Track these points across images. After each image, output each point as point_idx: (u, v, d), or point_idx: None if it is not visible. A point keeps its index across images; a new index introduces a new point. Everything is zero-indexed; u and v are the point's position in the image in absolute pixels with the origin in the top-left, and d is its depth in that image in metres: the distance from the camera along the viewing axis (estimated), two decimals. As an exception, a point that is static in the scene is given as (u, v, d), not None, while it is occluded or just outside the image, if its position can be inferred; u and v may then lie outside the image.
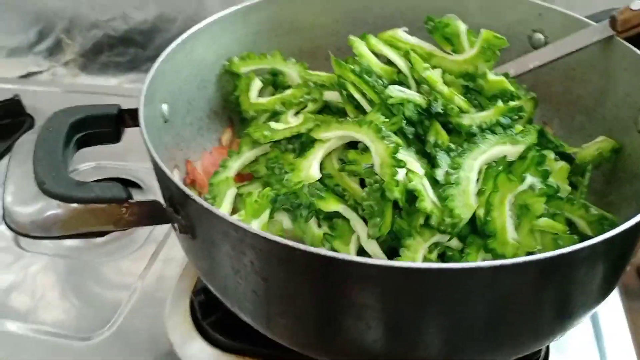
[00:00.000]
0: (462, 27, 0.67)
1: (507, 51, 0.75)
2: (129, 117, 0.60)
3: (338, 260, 0.39)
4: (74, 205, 0.46)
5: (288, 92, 0.70)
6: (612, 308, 0.74)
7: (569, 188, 0.64)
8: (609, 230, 0.58)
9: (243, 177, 0.69)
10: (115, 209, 0.47)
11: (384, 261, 0.38)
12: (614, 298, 0.76)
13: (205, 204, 0.43)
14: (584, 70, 0.71)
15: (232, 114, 0.78)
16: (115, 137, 0.60)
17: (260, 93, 0.76)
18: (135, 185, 0.92)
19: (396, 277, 0.39)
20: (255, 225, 0.57)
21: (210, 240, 0.46)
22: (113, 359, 0.66)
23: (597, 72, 0.69)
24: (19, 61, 1.31)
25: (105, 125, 0.58)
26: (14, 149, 0.54)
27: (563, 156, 0.68)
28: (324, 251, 0.38)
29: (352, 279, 0.41)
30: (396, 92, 0.60)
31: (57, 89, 1.21)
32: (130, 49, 1.28)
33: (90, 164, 0.94)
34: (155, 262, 0.78)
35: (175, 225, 0.49)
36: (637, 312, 0.84)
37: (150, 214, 0.48)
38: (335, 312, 0.44)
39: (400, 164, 0.53)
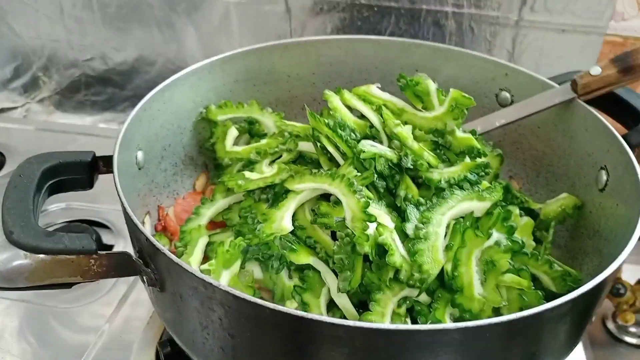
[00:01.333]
0: (432, 86, 0.70)
1: (475, 108, 0.79)
2: (102, 164, 0.60)
3: (307, 320, 0.39)
4: (42, 256, 0.46)
5: (263, 141, 0.71)
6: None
7: (534, 243, 0.66)
8: (572, 286, 0.61)
9: (216, 224, 0.69)
10: (84, 261, 0.47)
11: (351, 322, 0.38)
12: (578, 350, 0.77)
13: (175, 259, 0.43)
14: (548, 129, 0.74)
15: (207, 159, 0.79)
16: (88, 184, 0.60)
17: (236, 141, 0.77)
18: (105, 227, 0.91)
19: (364, 337, 0.40)
20: (226, 276, 0.57)
21: (178, 295, 0.46)
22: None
23: (560, 131, 0.72)
24: (-8, 96, 1.30)
25: (78, 172, 0.58)
26: (-17, 194, 0.53)
27: (528, 211, 0.70)
28: (293, 310, 0.39)
29: (321, 338, 0.41)
30: (368, 146, 0.62)
31: (29, 126, 1.20)
32: (107, 88, 1.27)
33: (60, 205, 0.93)
34: (124, 307, 0.77)
35: (144, 278, 0.48)
36: (602, 361, 0.85)
37: (119, 266, 0.48)
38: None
39: (371, 218, 0.54)
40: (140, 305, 0.76)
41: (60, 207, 0.93)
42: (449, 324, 0.43)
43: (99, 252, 0.47)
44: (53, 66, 1.27)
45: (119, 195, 0.50)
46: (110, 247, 0.87)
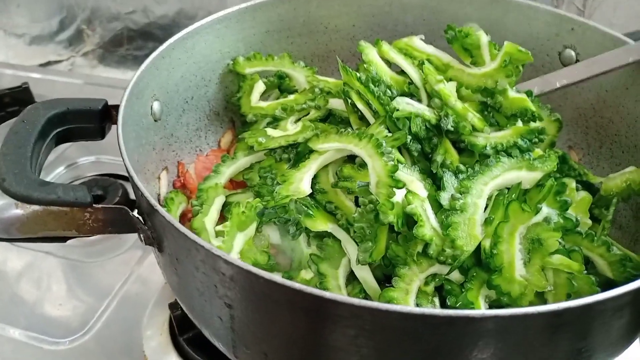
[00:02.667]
0: (483, 38, 0.61)
1: (533, 67, 0.70)
2: (116, 114, 0.56)
3: (306, 295, 0.33)
4: (35, 206, 0.42)
5: (290, 97, 0.65)
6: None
7: (590, 222, 0.58)
8: (631, 273, 0.53)
9: (237, 184, 0.65)
10: (78, 214, 0.43)
11: (355, 300, 0.33)
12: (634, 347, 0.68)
13: (169, 217, 0.38)
14: (618, 92, 0.64)
15: (234, 115, 0.74)
16: (100, 134, 0.56)
17: (265, 96, 0.72)
18: (135, 183, 0.89)
19: (375, 318, 0.34)
20: (240, 239, 0.53)
21: (175, 256, 0.42)
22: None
23: (632, 95, 0.62)
24: (39, 49, 1.30)
25: (88, 121, 0.54)
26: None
27: (586, 186, 0.62)
28: (287, 282, 0.33)
29: (326, 317, 0.36)
30: (403, 104, 0.55)
31: (74, 80, 1.19)
32: (149, 42, 1.26)
33: (90, 158, 0.92)
34: (142, 267, 0.74)
35: (141, 235, 0.44)
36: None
37: (116, 222, 0.44)
38: (307, 352, 0.39)
39: (398, 184, 0.48)
40: (156, 268, 0.73)
41: (89, 161, 0.92)
42: (479, 311, 0.36)
43: (94, 205, 0.43)
44: (96, 19, 1.26)
45: (119, 146, 0.46)
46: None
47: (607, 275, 0.54)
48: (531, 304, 0.50)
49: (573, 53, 0.68)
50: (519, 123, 0.59)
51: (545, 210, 0.51)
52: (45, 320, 0.68)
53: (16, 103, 1.03)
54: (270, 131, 0.60)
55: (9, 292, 0.72)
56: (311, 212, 0.50)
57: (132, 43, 1.27)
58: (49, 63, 1.31)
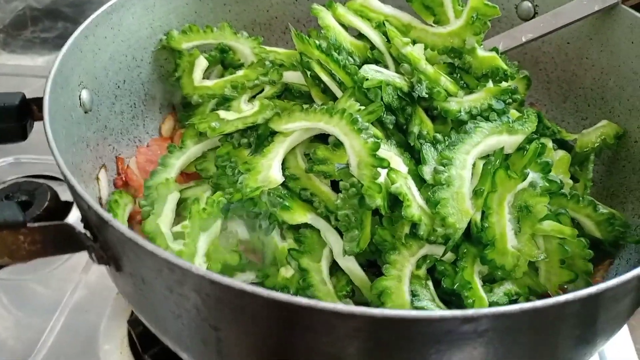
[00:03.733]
0: None
1: (492, 24, 0.66)
2: (37, 108, 0.47)
3: (310, 309, 0.28)
4: (-49, 234, 0.34)
5: (240, 72, 0.58)
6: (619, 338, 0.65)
7: (572, 182, 0.56)
8: (620, 231, 0.52)
9: (188, 176, 0.58)
10: (10, 237, 0.35)
11: (360, 309, 0.27)
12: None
13: (128, 233, 0.31)
14: (581, 44, 0.62)
15: (173, 98, 0.66)
16: (21, 134, 0.47)
17: (207, 74, 0.64)
18: (63, 182, 0.78)
19: (375, 326, 0.29)
20: (204, 240, 0.46)
21: (139, 277, 0.35)
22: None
23: (597, 46, 0.60)
24: None
25: (4, 120, 0.45)
26: None
27: (560, 144, 0.60)
28: (293, 298, 0.28)
29: (330, 328, 0.30)
30: (372, 72, 0.50)
31: (-29, 69, 1.05)
32: (58, 22, 1.14)
33: (7, 159, 0.80)
34: (89, 273, 0.66)
35: (92, 255, 0.37)
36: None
37: (58, 241, 0.36)
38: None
39: (382, 163, 0.43)
40: (105, 277, 0.65)
41: (7, 162, 0.80)
42: (478, 310, 0.32)
43: (28, 225, 0.35)
44: (-8, -1, 1.11)
45: (50, 147, 0.38)
46: (71, 204, 0.75)
47: (596, 235, 0.52)
48: (525, 274, 0.48)
49: (530, 5, 0.65)
50: (490, 84, 0.55)
51: (530, 175, 0.48)
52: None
53: None
54: (223, 114, 0.53)
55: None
56: (287, 204, 0.44)
57: (37, 24, 1.14)
58: (-59, 53, 1.15)
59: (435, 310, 0.42)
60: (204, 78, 0.63)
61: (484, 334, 0.32)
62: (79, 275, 0.66)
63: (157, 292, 0.34)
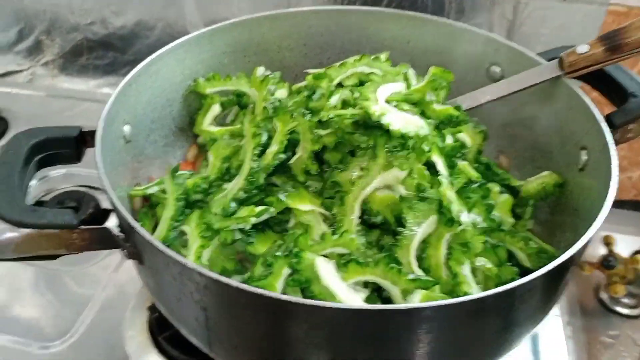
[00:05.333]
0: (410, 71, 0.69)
1: (464, 82, 0.79)
2: (90, 138, 0.62)
3: (270, 298, 0.41)
4: (27, 230, 0.48)
5: (238, 126, 0.71)
6: (551, 326, 0.77)
7: (512, 220, 0.68)
8: (546, 263, 0.62)
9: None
10: (66, 235, 0.49)
11: (306, 300, 0.40)
12: (555, 317, 0.79)
13: (148, 236, 0.45)
14: (535, 106, 0.74)
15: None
16: (76, 157, 0.62)
17: (227, 112, 0.78)
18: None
19: (326, 316, 0.42)
20: (206, 253, 0.59)
21: (155, 268, 0.49)
22: (70, 369, 0.68)
23: (547, 108, 0.72)
24: (-2, 59, 1.32)
25: (65, 147, 0.60)
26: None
27: (509, 188, 0.71)
28: (255, 289, 0.41)
29: (285, 316, 0.43)
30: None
31: (33, 92, 1.22)
32: (109, 52, 1.29)
33: (61, 170, 0.96)
34: (119, 272, 0.80)
35: (124, 251, 0.51)
36: (593, 331, 0.87)
37: (100, 240, 0.50)
38: (270, 344, 0.46)
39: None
40: (134, 273, 0.79)
41: (61, 173, 0.96)
42: (421, 304, 0.44)
43: (80, 227, 0.49)
44: (55, 30, 1.28)
45: (99, 173, 0.53)
46: (110, 211, 0.90)
47: (527, 265, 0.63)
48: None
49: (498, 69, 0.77)
50: (449, 139, 0.67)
51: (473, 216, 0.60)
52: (32, 326, 0.73)
53: (-19, 118, 1.06)
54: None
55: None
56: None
57: (92, 53, 1.30)
58: (8, 73, 1.33)
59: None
60: (225, 114, 0.77)
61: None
62: (109, 274, 0.80)
63: (166, 281, 0.48)
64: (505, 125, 0.79)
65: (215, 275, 0.42)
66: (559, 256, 0.63)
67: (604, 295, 0.89)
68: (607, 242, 0.85)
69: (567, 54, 0.67)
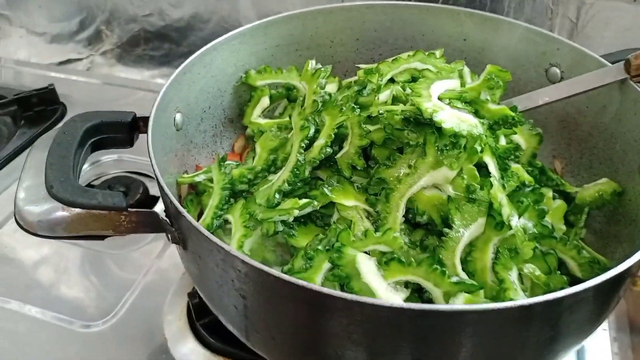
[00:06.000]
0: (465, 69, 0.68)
1: (522, 82, 0.76)
2: (142, 124, 0.63)
3: (310, 291, 0.41)
4: (78, 209, 0.50)
5: (286, 119, 0.71)
6: (598, 341, 0.74)
7: (564, 227, 0.65)
8: (598, 274, 0.59)
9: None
10: (115, 216, 0.50)
11: (348, 295, 0.40)
12: (602, 331, 0.76)
13: (194, 222, 0.45)
14: (597, 109, 0.70)
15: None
16: (129, 142, 0.63)
17: (275, 105, 0.79)
18: (153, 179, 0.95)
19: (367, 312, 0.41)
20: (248, 243, 0.59)
21: (198, 254, 0.49)
22: (110, 348, 0.70)
23: (609, 113, 0.69)
24: (59, 48, 1.37)
25: (119, 131, 0.62)
26: (35, 145, 0.58)
27: (563, 194, 0.68)
28: (294, 280, 0.41)
29: (325, 309, 0.43)
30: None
31: (91, 79, 1.26)
32: (165, 44, 1.32)
33: (112, 156, 0.99)
34: (162, 258, 0.82)
35: (169, 235, 0.52)
36: (641, 347, 0.83)
37: (147, 223, 0.51)
38: (307, 336, 0.46)
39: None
40: (176, 259, 0.80)
41: (112, 159, 0.99)
42: (466, 306, 0.43)
43: (129, 209, 0.50)
44: (115, 20, 1.33)
45: (150, 157, 0.53)
46: (157, 198, 0.92)
47: (578, 275, 0.60)
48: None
49: (558, 71, 0.74)
50: (502, 140, 0.65)
51: (523, 221, 0.58)
52: (76, 305, 0.75)
53: (42, 103, 1.11)
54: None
55: (41, 279, 0.79)
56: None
57: (148, 44, 1.33)
58: (68, 61, 1.38)
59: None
60: (273, 107, 0.78)
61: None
62: (152, 260, 0.82)
63: (208, 267, 0.48)
64: (562, 129, 0.76)
65: (256, 264, 0.41)
66: (612, 268, 0.61)
67: (656, 311, 0.85)
68: (666, 257, 0.81)
69: (635, 56, 0.64)
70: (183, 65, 0.67)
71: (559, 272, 0.59)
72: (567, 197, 0.68)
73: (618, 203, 0.66)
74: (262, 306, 0.46)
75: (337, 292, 0.39)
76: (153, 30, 1.31)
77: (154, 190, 0.94)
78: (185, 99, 0.68)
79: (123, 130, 0.61)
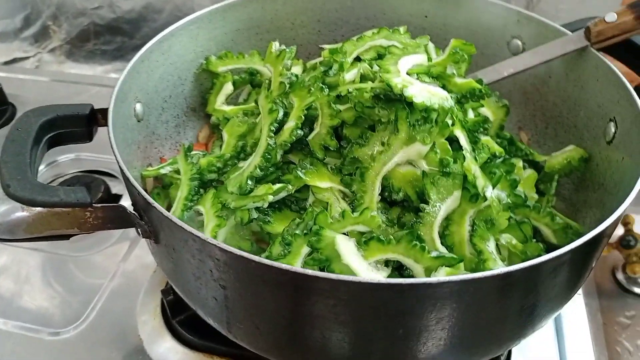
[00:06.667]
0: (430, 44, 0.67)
1: (485, 56, 0.76)
2: (101, 117, 0.60)
3: (295, 274, 0.39)
4: (39, 208, 0.47)
5: (252, 104, 0.69)
6: (573, 306, 0.75)
7: (536, 196, 0.66)
8: (573, 239, 0.60)
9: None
10: (80, 213, 0.47)
11: (334, 275, 0.39)
12: (578, 296, 0.77)
13: (166, 213, 0.43)
14: (559, 78, 0.71)
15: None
16: (88, 136, 0.60)
17: (239, 91, 0.76)
18: (115, 177, 0.92)
19: (348, 290, 0.40)
20: (222, 232, 0.57)
21: (172, 246, 0.47)
22: (82, 354, 0.66)
23: (571, 81, 0.70)
24: (4, 47, 1.30)
25: (76, 125, 0.58)
26: (-15, 146, 0.54)
27: (532, 164, 0.69)
28: (277, 264, 0.39)
29: (309, 292, 0.42)
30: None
31: (40, 77, 1.21)
32: (117, 37, 1.27)
33: (70, 155, 0.94)
34: (130, 257, 0.79)
35: (139, 230, 0.49)
36: (610, 312, 0.86)
37: (115, 218, 0.48)
38: (291, 321, 0.45)
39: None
40: (145, 258, 0.78)
41: (69, 158, 0.95)
42: (440, 278, 0.43)
43: (94, 204, 0.48)
44: (62, 15, 1.27)
45: (112, 150, 0.51)
46: (120, 197, 0.89)
47: (553, 241, 0.61)
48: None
49: (519, 42, 0.74)
50: (470, 114, 0.65)
51: (497, 192, 0.58)
52: (41, 313, 0.72)
53: (-11, 103, 1.05)
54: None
55: (1, 289, 0.75)
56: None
57: (99, 38, 1.28)
58: (14, 60, 1.31)
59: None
60: (237, 93, 0.75)
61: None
62: (117, 263, 0.78)
63: (183, 259, 0.46)
64: (526, 100, 0.77)
65: (237, 251, 0.40)
66: (585, 232, 0.62)
67: (620, 276, 0.88)
68: (626, 221, 0.83)
69: (594, 24, 0.65)
70: (140, 52, 0.64)
71: (534, 239, 0.60)
72: (536, 166, 0.69)
73: (585, 169, 0.67)
74: (244, 295, 0.45)
75: (324, 274, 0.38)
76: (103, 24, 1.26)
77: (116, 189, 0.90)
78: (144, 88, 0.65)
79: (81, 123, 0.58)
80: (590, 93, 0.66)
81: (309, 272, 0.39)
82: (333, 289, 0.40)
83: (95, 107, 0.60)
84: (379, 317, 0.43)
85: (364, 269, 0.51)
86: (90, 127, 0.59)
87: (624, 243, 0.85)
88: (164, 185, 0.66)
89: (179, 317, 0.66)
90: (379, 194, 0.57)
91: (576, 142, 0.69)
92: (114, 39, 1.27)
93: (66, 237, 0.49)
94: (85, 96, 1.17)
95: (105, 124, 0.58)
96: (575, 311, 0.75)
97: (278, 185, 0.55)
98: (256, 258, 0.39)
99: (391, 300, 0.41)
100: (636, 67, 0.67)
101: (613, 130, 0.62)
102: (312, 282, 0.39)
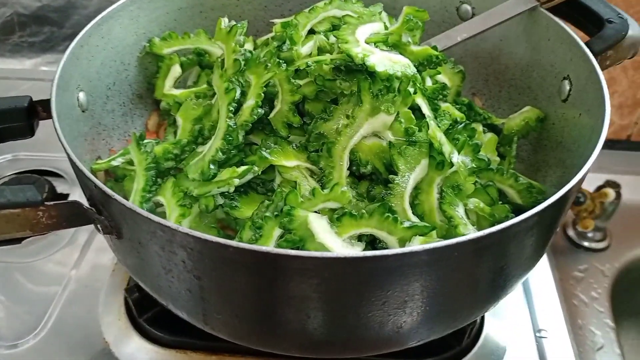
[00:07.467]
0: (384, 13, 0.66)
1: (435, 24, 0.76)
2: (41, 109, 0.56)
3: (272, 255, 0.37)
4: (-17, 212, 0.42)
5: (203, 86, 0.66)
6: (539, 268, 0.77)
7: (498, 159, 0.66)
8: (537, 198, 0.62)
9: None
10: (31, 213, 0.43)
11: (319, 253, 0.37)
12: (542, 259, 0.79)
13: (129, 204, 0.40)
14: (511, 41, 0.72)
15: (157, 96, 0.74)
16: (29, 131, 0.56)
17: (187, 74, 0.73)
18: (59, 176, 0.86)
19: (331, 267, 0.39)
20: (186, 222, 0.54)
21: (137, 240, 0.44)
22: (45, 364, 0.62)
23: (523, 43, 0.70)
24: None
25: (15, 120, 0.54)
26: None
27: (491, 127, 0.69)
28: (256, 247, 0.37)
29: (289, 272, 0.40)
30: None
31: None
32: (44, 27, 1.19)
33: (6, 156, 0.88)
34: (84, 260, 0.74)
35: (99, 226, 0.46)
36: (564, 267, 0.89)
37: (69, 216, 0.45)
38: (274, 305, 0.43)
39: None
40: (104, 252, 0.73)
41: (6, 159, 0.88)
42: (416, 247, 0.42)
43: (46, 203, 0.44)
44: (-20, 6, 1.17)
45: (60, 141, 0.47)
46: (66, 196, 0.83)
47: (517, 202, 0.62)
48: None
49: (469, 7, 0.74)
50: (428, 81, 0.64)
51: (461, 157, 0.58)
52: (-6, 325, 0.67)
53: None
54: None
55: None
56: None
57: (25, 29, 1.20)
58: None
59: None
60: (184, 77, 0.72)
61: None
62: (70, 268, 0.73)
63: (151, 252, 0.43)
64: (478, 66, 0.77)
65: (213, 238, 0.37)
66: (548, 190, 0.63)
67: (571, 232, 0.91)
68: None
69: (542, -17, 0.65)
70: (78, 37, 0.59)
71: (500, 202, 0.60)
72: (495, 130, 0.69)
73: (542, 129, 0.68)
74: (222, 284, 0.42)
75: (309, 253, 0.37)
76: (28, 14, 1.17)
77: (60, 188, 0.85)
78: (86, 76, 0.61)
79: (20, 117, 0.54)
80: (543, 53, 0.67)
81: (292, 252, 0.37)
82: (317, 268, 0.38)
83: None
84: (362, 291, 0.42)
85: (339, 245, 0.49)
86: (31, 120, 0.55)
87: (575, 200, 0.88)
88: (116, 179, 0.62)
89: (146, 315, 0.63)
90: (347, 169, 0.55)
91: (531, 103, 0.70)
92: (41, 29, 1.19)
93: (17, 240, 0.45)
94: (15, 92, 1.08)
95: (47, 117, 0.54)
96: (541, 270, 0.77)
97: (243, 168, 0.53)
98: (234, 243, 0.37)
99: (375, 272, 0.40)
100: (583, 27, 0.68)
101: (568, 88, 0.63)
102: (294, 263, 0.38)
